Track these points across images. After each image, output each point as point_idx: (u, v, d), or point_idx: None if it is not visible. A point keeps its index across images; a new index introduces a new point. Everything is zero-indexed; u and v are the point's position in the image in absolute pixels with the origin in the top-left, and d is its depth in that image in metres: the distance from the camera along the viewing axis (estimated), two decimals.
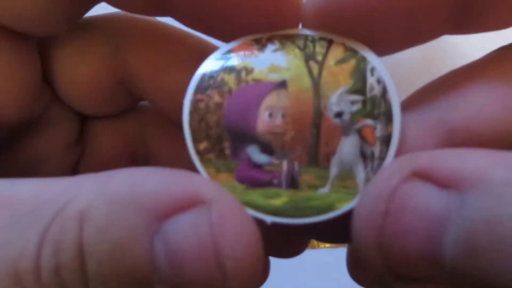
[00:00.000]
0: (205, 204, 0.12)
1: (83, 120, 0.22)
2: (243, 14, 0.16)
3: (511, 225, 0.11)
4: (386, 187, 0.13)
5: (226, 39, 0.17)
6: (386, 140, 0.15)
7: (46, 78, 0.20)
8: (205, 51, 0.17)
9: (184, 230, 0.12)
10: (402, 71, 0.19)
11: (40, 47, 0.19)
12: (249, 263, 0.12)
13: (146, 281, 0.12)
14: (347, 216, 0.14)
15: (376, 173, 0.15)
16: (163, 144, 0.22)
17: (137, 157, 0.22)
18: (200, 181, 0.13)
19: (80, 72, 0.19)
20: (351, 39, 0.16)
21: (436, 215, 0.12)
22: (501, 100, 0.16)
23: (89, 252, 0.12)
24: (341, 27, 0.16)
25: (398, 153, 0.15)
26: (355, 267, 0.18)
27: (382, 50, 0.17)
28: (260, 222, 0.15)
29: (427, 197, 0.12)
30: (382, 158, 0.15)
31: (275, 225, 0.15)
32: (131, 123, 0.22)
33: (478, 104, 0.16)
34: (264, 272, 0.21)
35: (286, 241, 0.20)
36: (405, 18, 0.15)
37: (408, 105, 0.17)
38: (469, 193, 0.12)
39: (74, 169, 0.22)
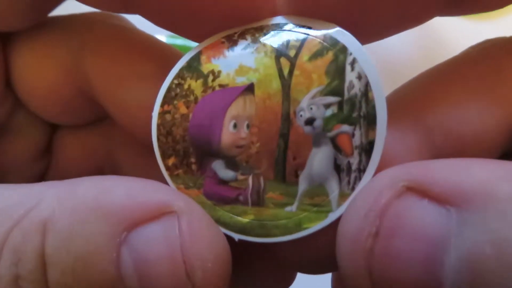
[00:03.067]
0: (174, 214, 0.12)
1: (52, 130, 0.21)
2: (213, 9, 0.15)
3: None
4: (375, 203, 0.11)
5: (196, 37, 0.16)
6: (367, 149, 0.13)
7: (8, 84, 0.19)
8: (170, 61, 0.16)
9: (153, 240, 0.12)
10: (400, 73, 0.17)
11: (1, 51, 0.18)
12: (218, 273, 0.12)
13: None
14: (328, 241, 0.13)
15: (355, 188, 0.13)
16: (131, 161, 0.21)
17: (105, 172, 0.21)
18: (168, 191, 0.13)
19: (38, 78, 0.18)
20: (332, 24, 0.14)
21: (434, 237, 0.10)
22: (478, 99, 0.14)
23: (52, 263, 0.11)
24: (321, 9, 0.14)
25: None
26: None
27: (368, 35, 0.15)
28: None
29: (423, 216, 0.11)
30: (361, 170, 0.13)
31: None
32: (98, 138, 0.21)
33: (455, 103, 0.14)
34: None
35: (272, 274, 0.19)
36: None
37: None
38: (471, 210, 0.10)
39: (40, 180, 0.21)
